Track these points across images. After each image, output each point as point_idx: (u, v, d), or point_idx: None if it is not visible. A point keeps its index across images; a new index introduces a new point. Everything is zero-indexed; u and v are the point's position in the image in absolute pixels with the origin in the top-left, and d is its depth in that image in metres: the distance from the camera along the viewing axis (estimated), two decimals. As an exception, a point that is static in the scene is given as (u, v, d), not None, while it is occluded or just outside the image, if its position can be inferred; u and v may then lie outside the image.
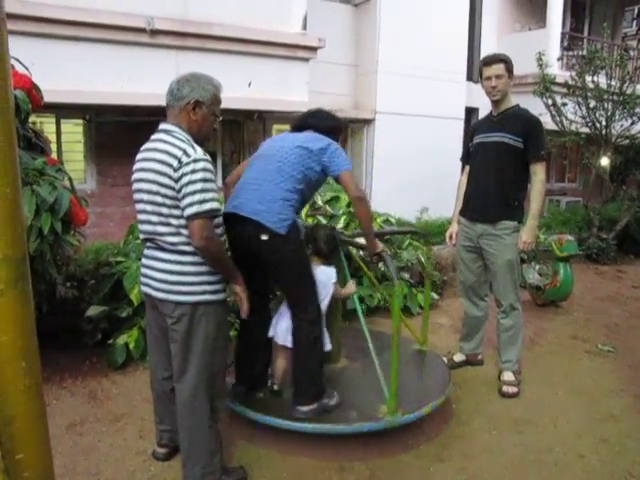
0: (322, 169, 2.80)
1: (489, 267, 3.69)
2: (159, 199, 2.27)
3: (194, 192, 2.19)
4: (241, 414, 2.94)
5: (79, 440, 3.00)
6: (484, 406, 3.46)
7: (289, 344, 2.90)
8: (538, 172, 3.50)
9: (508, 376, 3.68)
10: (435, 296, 5.45)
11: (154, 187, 2.27)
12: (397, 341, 2.82)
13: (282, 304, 2.99)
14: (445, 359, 3.84)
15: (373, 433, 2.86)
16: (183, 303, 2.33)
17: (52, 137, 6.56)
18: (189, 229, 2.24)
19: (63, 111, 6.66)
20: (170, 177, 2.22)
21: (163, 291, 2.35)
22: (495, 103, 3.59)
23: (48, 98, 3.66)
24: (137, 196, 2.39)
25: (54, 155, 4.27)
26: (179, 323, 2.35)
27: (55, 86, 5.00)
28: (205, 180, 2.22)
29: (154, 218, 2.32)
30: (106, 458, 2.83)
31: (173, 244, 2.31)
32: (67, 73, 5.69)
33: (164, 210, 2.27)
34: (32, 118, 3.65)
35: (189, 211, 2.20)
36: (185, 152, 2.22)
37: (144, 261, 2.49)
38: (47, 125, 6.85)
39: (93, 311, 3.88)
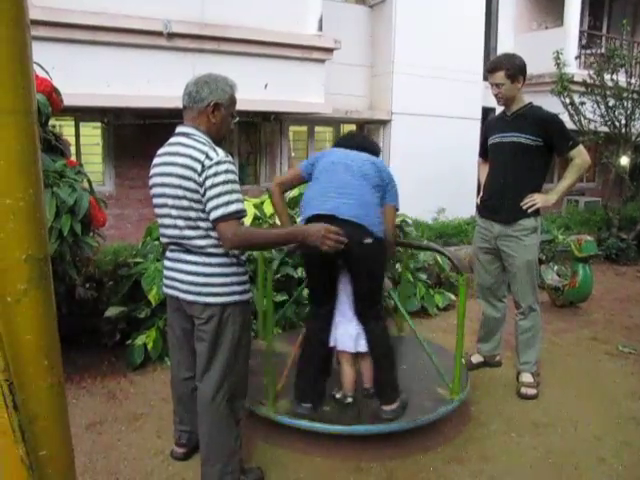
0: (382, 194, 2.89)
1: (507, 268, 3.67)
2: (185, 203, 2.27)
3: (219, 195, 2.19)
4: (258, 414, 2.94)
5: (98, 439, 3.03)
6: (502, 408, 3.44)
7: (362, 349, 2.86)
8: (576, 156, 3.46)
9: (527, 378, 3.64)
10: (452, 297, 5.42)
11: (180, 192, 2.27)
12: (462, 323, 3.07)
13: (339, 313, 2.91)
14: (463, 360, 3.82)
15: (390, 434, 2.85)
16: (212, 304, 2.33)
17: (71, 140, 6.64)
18: (219, 234, 2.24)
19: (82, 114, 6.74)
20: (195, 181, 2.22)
21: (192, 293, 2.35)
22: (505, 105, 3.57)
23: (68, 101, 3.71)
24: (160, 200, 2.38)
25: (73, 157, 4.32)
26: (208, 324, 2.36)
27: (74, 89, 5.07)
28: (229, 182, 2.21)
29: (181, 222, 2.31)
30: (125, 457, 2.86)
31: (201, 247, 2.31)
32: (86, 77, 5.76)
33: (192, 214, 2.27)
34: (52, 121, 3.70)
35: (215, 214, 2.20)
36: (207, 155, 2.22)
37: (168, 264, 2.48)
38: (66, 128, 6.94)
39: (112, 312, 3.92)
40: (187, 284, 2.36)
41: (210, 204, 2.20)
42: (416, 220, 6.29)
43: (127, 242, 5.07)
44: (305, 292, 3.89)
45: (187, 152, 2.27)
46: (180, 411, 2.75)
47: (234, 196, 2.22)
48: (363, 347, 2.86)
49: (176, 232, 2.35)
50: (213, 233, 2.28)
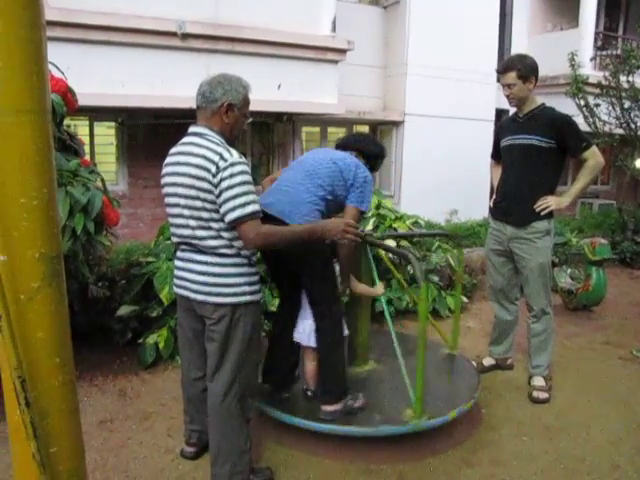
0: (343, 194, 2.88)
1: (520, 271, 3.64)
2: (198, 203, 2.27)
3: (235, 196, 2.19)
4: (269, 415, 2.95)
5: (109, 437, 3.05)
6: (514, 411, 3.41)
7: (313, 344, 2.92)
8: (589, 157, 3.43)
9: (539, 381, 3.62)
10: (465, 299, 5.40)
11: (193, 192, 2.27)
12: (423, 343, 2.79)
13: (302, 307, 2.98)
14: (474, 363, 3.80)
15: (401, 436, 2.84)
16: (223, 304, 2.34)
17: (85, 139, 6.69)
18: (240, 235, 2.25)
19: (96, 114, 6.79)
20: (209, 182, 2.21)
21: (203, 293, 2.36)
22: (517, 106, 3.55)
23: (82, 101, 3.73)
24: (172, 200, 2.38)
25: (87, 157, 4.35)
26: (219, 324, 2.36)
27: (89, 89, 5.11)
28: (244, 183, 2.22)
29: (192, 222, 2.31)
30: (135, 455, 2.87)
31: (213, 247, 2.31)
32: (101, 77, 5.80)
33: (204, 214, 2.27)
34: (67, 121, 3.73)
35: (232, 216, 2.20)
36: (222, 156, 2.22)
37: (179, 264, 2.48)
38: (81, 127, 7.00)
39: (124, 311, 3.94)
40: (198, 284, 2.36)
41: (227, 206, 2.20)
42: (428, 222, 6.26)
43: (140, 241, 5.10)
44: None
45: (201, 152, 2.27)
46: (190, 411, 2.76)
47: (250, 197, 2.22)
48: (313, 343, 2.91)
49: (188, 232, 2.35)
50: (225, 234, 2.29)
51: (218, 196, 2.21)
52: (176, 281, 2.52)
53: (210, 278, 2.33)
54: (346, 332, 2.99)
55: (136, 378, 3.78)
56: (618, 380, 3.90)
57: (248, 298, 2.38)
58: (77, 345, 1.48)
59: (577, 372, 4.02)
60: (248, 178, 2.25)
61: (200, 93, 2.38)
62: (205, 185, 2.23)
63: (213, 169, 2.21)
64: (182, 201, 2.32)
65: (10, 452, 1.41)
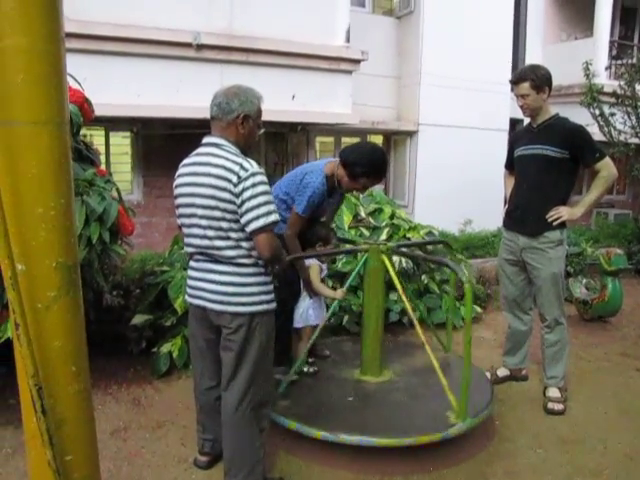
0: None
1: (533, 281, 3.62)
2: (218, 214, 2.28)
3: (259, 205, 2.22)
4: (282, 425, 2.94)
5: (123, 445, 3.06)
6: (529, 423, 3.38)
7: (297, 325, 3.41)
8: (602, 169, 3.41)
9: (554, 392, 3.58)
10: (478, 309, 5.37)
11: (212, 202, 2.28)
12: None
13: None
14: (488, 374, 3.77)
15: (415, 448, 2.82)
16: (242, 314, 2.35)
17: (101, 149, 6.77)
18: (256, 243, 2.28)
19: (112, 124, 6.86)
20: (230, 192, 2.23)
21: (221, 303, 2.37)
22: (530, 117, 3.54)
23: (98, 111, 3.78)
24: (187, 210, 2.39)
25: (103, 166, 4.39)
26: (236, 333, 2.37)
27: (105, 100, 5.15)
28: (266, 193, 2.26)
29: (211, 232, 2.32)
30: (149, 464, 2.88)
31: (231, 257, 2.33)
32: (116, 87, 5.87)
33: (224, 224, 2.29)
34: (83, 130, 3.77)
35: (255, 225, 2.23)
36: (242, 166, 2.25)
37: (194, 274, 2.49)
38: (97, 137, 7.07)
39: (138, 319, 3.96)
40: (217, 294, 2.37)
41: (249, 215, 2.23)
42: (442, 231, 6.25)
43: (154, 250, 5.13)
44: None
45: (220, 162, 2.29)
46: (203, 420, 2.76)
47: (272, 207, 2.28)
48: (297, 324, 3.41)
49: (205, 242, 2.36)
50: (244, 243, 2.31)
51: (240, 206, 2.23)
52: (190, 291, 2.52)
53: (229, 288, 2.35)
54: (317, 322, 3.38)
55: (150, 387, 3.79)
56: (636, 392, 3.85)
57: (265, 307, 2.40)
58: (91, 353, 1.49)
59: (593, 384, 3.97)
60: (268, 188, 2.29)
61: (215, 104, 2.40)
62: (226, 195, 2.24)
63: (234, 179, 2.23)
64: (199, 211, 2.33)
65: (26, 459, 1.42)
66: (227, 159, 2.29)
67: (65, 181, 1.31)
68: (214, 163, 2.30)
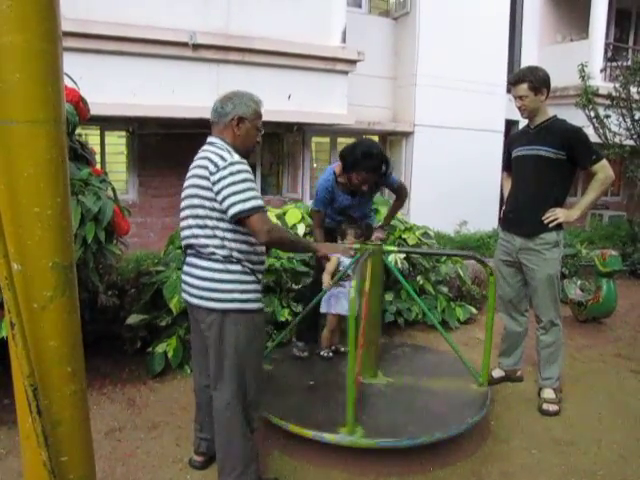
0: None
1: (529, 282, 3.63)
2: (196, 201, 2.36)
3: (236, 192, 2.26)
4: (277, 425, 2.94)
5: (118, 446, 3.05)
6: (523, 424, 3.39)
7: (326, 310, 3.65)
8: (599, 171, 3.41)
9: (548, 393, 3.59)
10: (473, 310, 5.38)
11: (194, 190, 2.38)
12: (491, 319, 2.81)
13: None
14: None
15: (409, 449, 2.82)
16: (214, 310, 2.38)
17: (96, 148, 6.74)
18: (249, 229, 2.31)
19: (107, 123, 6.84)
20: (207, 179, 2.31)
21: (197, 297, 2.42)
22: (528, 118, 3.55)
23: (94, 111, 3.77)
24: (182, 204, 2.49)
25: (98, 166, 4.38)
26: (210, 330, 2.41)
27: (100, 99, 5.15)
28: (245, 180, 2.29)
29: (192, 221, 2.40)
30: (144, 465, 2.87)
31: (210, 250, 2.36)
32: (112, 86, 5.86)
33: (200, 211, 2.35)
34: (78, 130, 3.75)
35: (233, 210, 2.26)
36: (222, 157, 2.32)
37: (184, 268, 2.55)
38: (92, 137, 7.05)
39: (133, 319, 3.95)
40: (196, 288, 2.43)
41: (228, 201, 2.26)
42: (438, 232, 6.26)
43: (149, 250, 5.13)
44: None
45: (205, 155, 2.39)
46: (200, 419, 2.77)
47: (252, 193, 2.30)
48: (326, 309, 3.65)
49: (189, 232, 2.43)
50: (219, 233, 2.34)
51: (217, 193, 2.28)
52: (181, 285, 2.59)
53: (206, 283, 2.39)
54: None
55: (145, 387, 3.78)
56: (630, 393, 3.86)
57: (238, 305, 2.39)
58: (86, 353, 1.48)
59: (588, 385, 3.99)
60: (249, 176, 2.33)
61: (213, 109, 2.50)
62: (204, 182, 2.33)
63: (212, 168, 2.31)
64: (187, 202, 2.43)
65: (20, 460, 1.41)
66: (213, 152, 2.36)
67: (61, 180, 1.31)
68: (201, 157, 2.42)
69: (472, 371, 3.14)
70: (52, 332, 1.30)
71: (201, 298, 2.40)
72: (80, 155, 3.56)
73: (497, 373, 3.96)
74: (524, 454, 3.06)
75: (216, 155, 2.33)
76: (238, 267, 2.38)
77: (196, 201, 2.36)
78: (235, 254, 2.36)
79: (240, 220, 2.29)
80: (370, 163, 3.40)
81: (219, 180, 2.27)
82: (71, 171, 3.23)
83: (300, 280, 4.34)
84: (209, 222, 2.35)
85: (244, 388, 2.45)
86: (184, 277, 2.53)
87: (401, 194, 3.88)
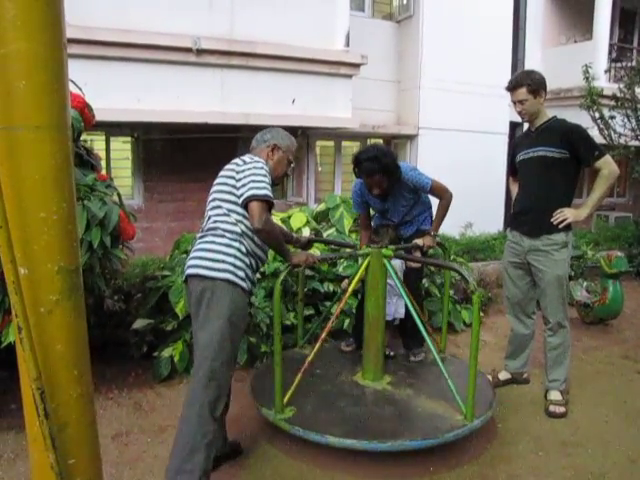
0: None
1: (537, 283, 3.62)
2: (223, 188, 2.59)
3: (253, 180, 2.48)
4: (283, 429, 2.94)
5: (125, 450, 3.06)
6: (530, 426, 3.38)
7: (390, 317, 3.74)
8: (603, 167, 3.40)
9: (555, 395, 3.58)
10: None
11: (222, 180, 2.62)
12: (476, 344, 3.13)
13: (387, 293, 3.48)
14: (490, 377, 3.77)
15: (416, 452, 2.82)
16: (207, 277, 2.46)
17: (102, 154, 6.78)
18: (249, 212, 2.47)
19: (113, 129, 6.88)
20: (234, 171, 2.57)
21: (194, 266, 2.53)
22: (529, 121, 3.56)
23: (99, 117, 3.79)
24: (209, 198, 2.69)
25: (104, 171, 4.40)
26: (201, 301, 2.47)
27: (105, 105, 5.18)
28: (265, 175, 2.53)
29: (212, 205, 2.62)
30: (151, 469, 2.88)
31: (217, 228, 2.54)
32: (117, 92, 5.89)
33: (224, 196, 2.57)
34: (84, 136, 3.78)
35: (246, 193, 2.46)
36: (250, 157, 2.63)
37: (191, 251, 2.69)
38: (97, 142, 7.08)
39: (139, 324, 3.96)
40: (194, 259, 2.55)
41: (244, 187, 2.48)
42: (443, 235, 6.24)
43: (155, 255, 5.14)
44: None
45: (236, 159, 2.65)
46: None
47: (266, 185, 2.50)
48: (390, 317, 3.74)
49: (208, 214, 2.63)
50: (234, 215, 2.53)
51: (238, 181, 2.52)
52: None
53: (204, 253, 2.52)
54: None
55: (151, 391, 3.79)
56: (637, 395, 3.85)
57: (228, 276, 2.46)
58: (93, 358, 1.49)
59: (594, 387, 3.97)
60: (265, 172, 2.56)
61: (254, 139, 2.84)
62: (230, 173, 2.59)
63: (240, 163, 2.59)
64: (213, 194, 2.64)
65: (28, 464, 1.42)
66: (243, 156, 2.65)
67: (67, 186, 1.32)
68: (233, 161, 2.67)
69: (458, 403, 3.01)
70: (59, 336, 1.31)
71: (197, 267, 2.51)
72: (86, 161, 3.57)
73: (503, 375, 3.95)
74: (531, 456, 3.05)
75: (246, 156, 2.64)
76: (240, 247, 2.51)
77: (223, 188, 2.58)
78: (244, 229, 2.53)
79: (247, 205, 2.46)
80: (360, 167, 3.57)
81: (243, 171, 2.53)
82: (77, 177, 3.25)
83: (306, 284, 4.35)
84: (225, 205, 2.55)
85: (212, 367, 2.42)
86: (189, 256, 2.63)
87: (440, 195, 3.80)
